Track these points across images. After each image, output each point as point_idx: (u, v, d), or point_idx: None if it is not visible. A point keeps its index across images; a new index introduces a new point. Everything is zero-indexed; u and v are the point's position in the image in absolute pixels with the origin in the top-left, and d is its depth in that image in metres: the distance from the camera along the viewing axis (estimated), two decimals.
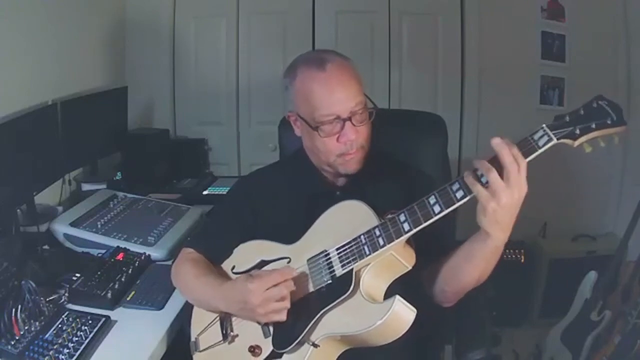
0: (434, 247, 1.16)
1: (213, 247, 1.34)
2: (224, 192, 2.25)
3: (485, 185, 0.96)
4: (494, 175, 0.95)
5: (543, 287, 2.77)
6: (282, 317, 1.11)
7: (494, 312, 2.40)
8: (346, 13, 2.86)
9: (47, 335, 1.24)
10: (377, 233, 1.08)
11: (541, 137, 0.94)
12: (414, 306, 1.04)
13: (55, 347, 1.20)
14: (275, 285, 1.10)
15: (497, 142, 0.95)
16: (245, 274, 1.18)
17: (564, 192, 2.90)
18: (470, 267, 1.10)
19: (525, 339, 2.62)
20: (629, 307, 2.09)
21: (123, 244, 1.67)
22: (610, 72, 2.82)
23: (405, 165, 1.38)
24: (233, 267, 1.30)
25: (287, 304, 1.10)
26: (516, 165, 0.94)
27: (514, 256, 2.73)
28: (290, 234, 1.24)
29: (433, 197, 1.03)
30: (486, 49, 2.85)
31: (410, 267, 1.11)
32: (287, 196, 1.33)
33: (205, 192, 2.35)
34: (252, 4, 2.88)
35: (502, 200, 0.95)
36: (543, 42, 2.84)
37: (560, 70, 2.86)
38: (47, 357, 1.17)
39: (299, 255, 1.20)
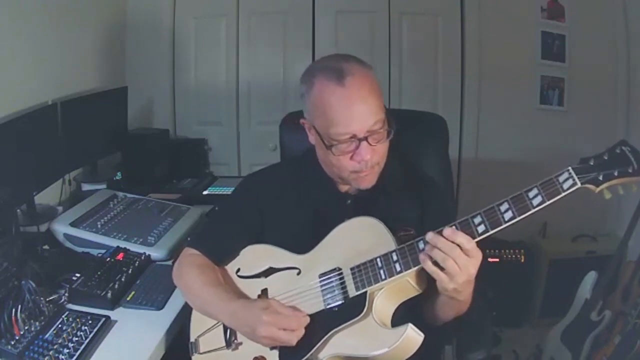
0: None
1: (217, 247, 1.30)
2: (224, 192, 2.25)
3: (443, 270, 1.00)
4: (450, 264, 0.98)
5: (543, 287, 2.77)
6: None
7: (494, 312, 2.40)
8: (346, 13, 2.86)
9: (47, 335, 1.23)
10: (394, 258, 1.07)
11: (566, 179, 0.95)
12: (415, 311, 1.05)
13: (55, 347, 1.20)
14: (286, 329, 1.08)
15: (430, 238, 0.99)
16: (264, 301, 1.14)
17: None
18: (444, 313, 1.17)
19: (525, 339, 2.63)
20: (629, 307, 2.09)
21: (123, 244, 1.67)
22: (610, 72, 2.82)
23: (418, 174, 1.35)
24: (238, 270, 1.28)
25: (292, 344, 1.09)
26: (463, 247, 0.98)
27: (514, 256, 2.72)
28: (298, 240, 1.22)
29: (453, 228, 1.02)
30: (486, 49, 2.85)
31: (421, 291, 1.10)
32: (295, 200, 1.29)
33: (205, 192, 2.34)
34: (252, 4, 2.88)
35: (460, 281, 1.00)
36: (543, 42, 2.84)
37: (560, 70, 2.86)
38: (47, 357, 1.17)
39: (309, 267, 1.18)
